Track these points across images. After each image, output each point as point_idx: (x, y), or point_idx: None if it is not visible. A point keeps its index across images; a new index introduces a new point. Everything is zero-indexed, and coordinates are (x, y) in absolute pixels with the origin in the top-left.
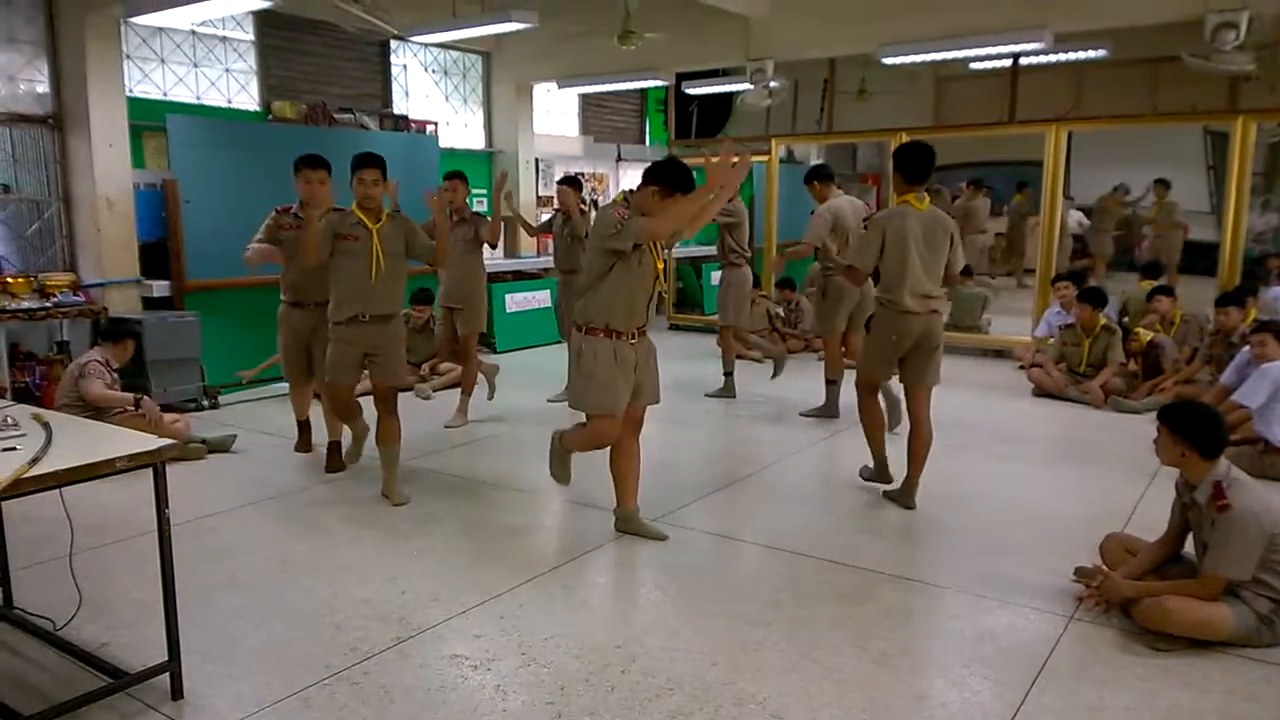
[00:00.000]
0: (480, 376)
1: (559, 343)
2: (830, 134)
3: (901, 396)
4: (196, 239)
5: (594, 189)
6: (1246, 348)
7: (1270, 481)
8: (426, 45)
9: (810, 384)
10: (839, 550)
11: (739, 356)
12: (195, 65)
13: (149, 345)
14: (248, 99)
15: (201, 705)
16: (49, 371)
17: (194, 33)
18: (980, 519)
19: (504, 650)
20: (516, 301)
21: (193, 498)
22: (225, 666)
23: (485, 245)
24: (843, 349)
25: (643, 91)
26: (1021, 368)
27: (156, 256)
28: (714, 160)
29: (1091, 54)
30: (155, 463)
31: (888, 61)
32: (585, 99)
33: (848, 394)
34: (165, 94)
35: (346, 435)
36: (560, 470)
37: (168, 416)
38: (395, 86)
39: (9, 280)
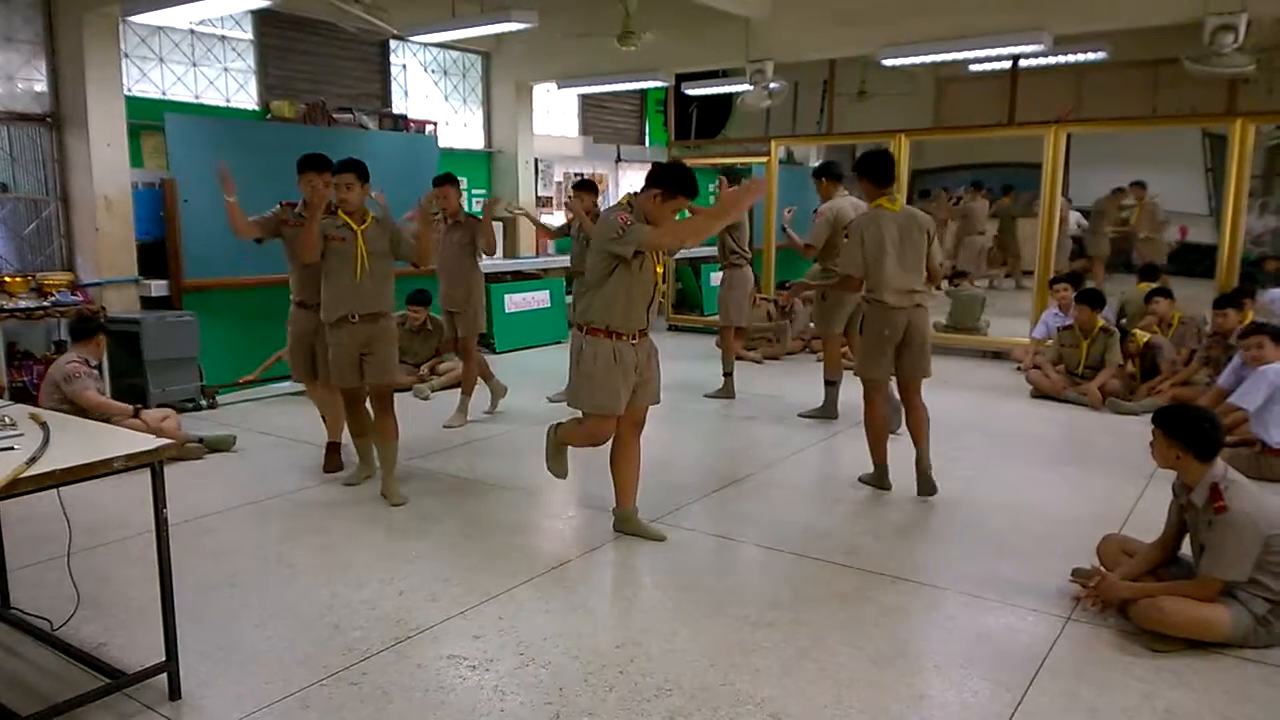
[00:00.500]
0: (488, 388)
1: (558, 343)
2: (830, 135)
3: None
4: (195, 239)
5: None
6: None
7: (1267, 483)
8: (426, 45)
9: (809, 385)
10: (837, 551)
11: (738, 358)
12: (194, 64)
13: (147, 345)
14: (246, 98)
15: (199, 706)
16: (46, 371)
17: (193, 32)
18: (978, 520)
19: (502, 651)
20: (515, 302)
21: (190, 498)
22: (223, 667)
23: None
24: (844, 350)
25: (642, 92)
26: (1020, 369)
27: (154, 256)
28: (730, 190)
29: (1091, 56)
30: (153, 462)
31: (888, 63)
32: (585, 99)
33: (847, 395)
34: (164, 93)
35: (346, 437)
36: (556, 464)
37: (159, 413)
38: (395, 86)
39: (7, 279)
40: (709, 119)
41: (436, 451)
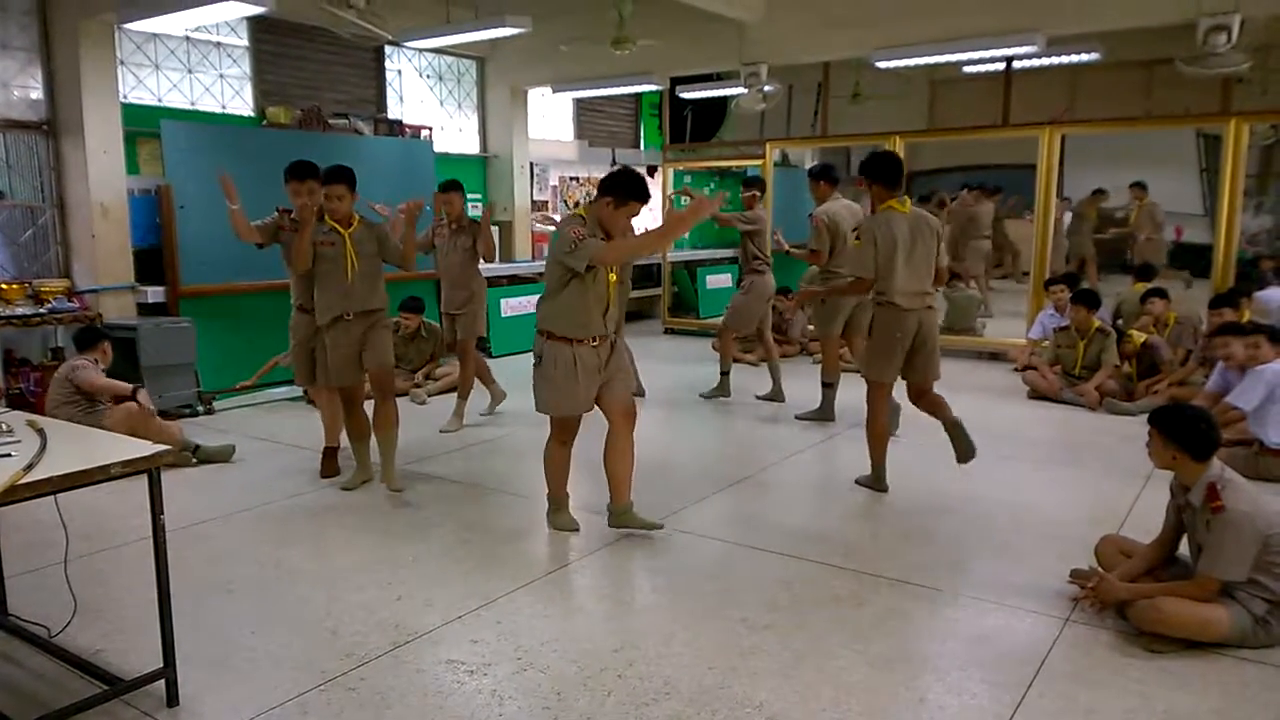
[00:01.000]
0: (489, 392)
1: None
2: (825, 137)
3: (900, 402)
4: (191, 245)
5: (588, 194)
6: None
7: (1265, 483)
8: (421, 50)
9: (807, 387)
10: (835, 553)
11: (736, 360)
12: (190, 71)
13: (144, 351)
14: (242, 104)
15: (197, 712)
16: (43, 378)
17: (188, 39)
18: (976, 522)
19: (500, 655)
20: (512, 306)
21: (188, 504)
22: (221, 673)
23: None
24: (842, 351)
25: (637, 96)
26: (1016, 370)
27: (151, 262)
28: (675, 212)
29: (1085, 57)
30: (150, 469)
31: (882, 65)
32: (580, 103)
33: (844, 397)
34: (160, 100)
35: (343, 441)
36: (558, 519)
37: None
38: (390, 92)
39: (3, 286)
40: (704, 122)
41: (433, 456)
